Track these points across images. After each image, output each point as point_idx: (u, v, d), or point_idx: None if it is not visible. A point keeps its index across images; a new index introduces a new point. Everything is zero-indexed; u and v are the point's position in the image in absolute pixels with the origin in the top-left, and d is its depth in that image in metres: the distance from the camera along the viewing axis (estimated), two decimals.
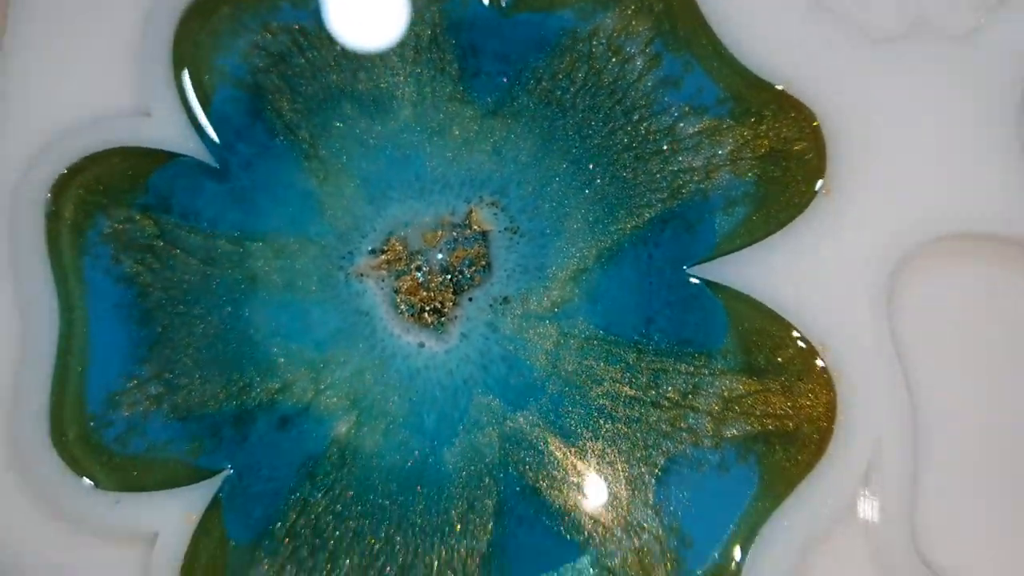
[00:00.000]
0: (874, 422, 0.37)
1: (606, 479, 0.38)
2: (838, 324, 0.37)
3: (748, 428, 0.38)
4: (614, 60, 0.40)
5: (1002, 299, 0.38)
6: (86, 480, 0.38)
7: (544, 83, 0.40)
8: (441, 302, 0.39)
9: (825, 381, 0.37)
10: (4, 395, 0.39)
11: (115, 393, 0.39)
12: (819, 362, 0.37)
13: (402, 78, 0.40)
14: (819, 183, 0.38)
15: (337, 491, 0.38)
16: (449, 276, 0.39)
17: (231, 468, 0.38)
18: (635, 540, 0.37)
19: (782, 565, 0.36)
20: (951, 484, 0.37)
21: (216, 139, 0.40)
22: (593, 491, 0.38)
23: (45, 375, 0.39)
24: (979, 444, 0.37)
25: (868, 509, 0.36)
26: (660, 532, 0.37)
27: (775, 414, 0.37)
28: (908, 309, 0.38)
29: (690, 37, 0.40)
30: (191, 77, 0.40)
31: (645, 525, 0.37)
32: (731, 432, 0.38)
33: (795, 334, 0.38)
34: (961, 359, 0.37)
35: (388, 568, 0.38)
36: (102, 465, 0.39)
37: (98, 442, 0.39)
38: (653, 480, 0.38)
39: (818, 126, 0.38)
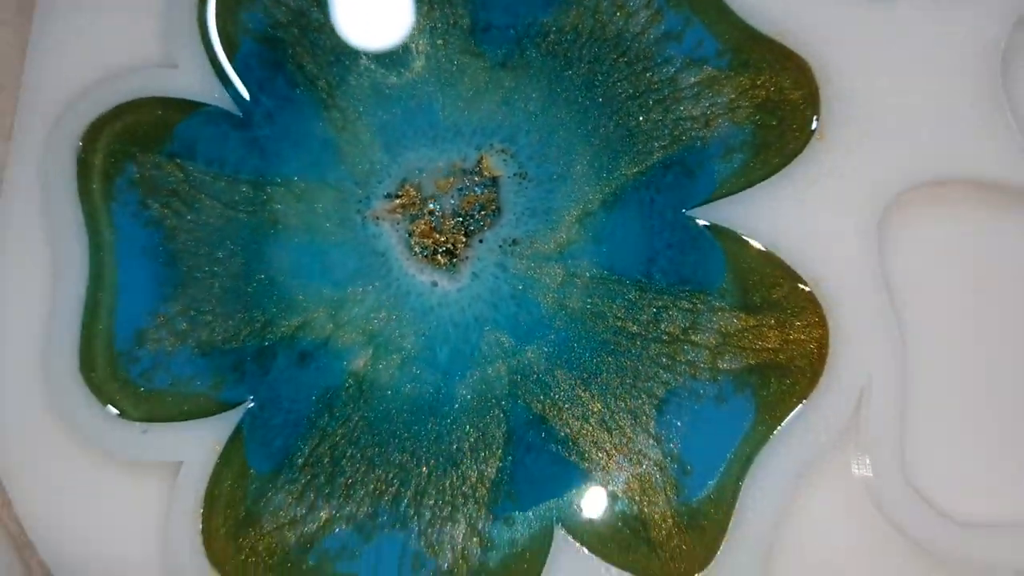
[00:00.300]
0: (864, 355, 0.39)
1: (610, 409, 0.40)
2: (830, 263, 0.39)
3: (744, 361, 0.40)
4: (618, 15, 0.42)
5: (986, 240, 0.40)
6: (113, 411, 0.40)
7: (551, 36, 0.42)
8: (453, 244, 0.41)
9: (818, 317, 0.39)
10: (37, 332, 0.41)
11: (142, 331, 0.41)
12: (812, 299, 0.39)
13: (416, 32, 0.42)
14: (813, 122, 0.40)
15: (354, 422, 0.40)
16: (461, 219, 0.41)
17: (253, 400, 0.40)
18: (637, 467, 0.39)
19: (776, 490, 0.38)
20: (938, 413, 0.39)
21: (240, 89, 0.42)
22: (597, 421, 0.40)
23: (75, 314, 0.41)
24: (965, 376, 0.39)
25: (858, 437, 0.38)
26: (661, 459, 0.39)
27: (770, 348, 0.39)
28: (897, 249, 0.40)
29: None
30: (217, 30, 0.42)
31: (646, 453, 0.39)
32: (728, 365, 0.40)
33: (789, 273, 0.39)
34: (948, 296, 0.39)
35: (402, 493, 0.40)
36: (129, 399, 0.41)
37: (125, 377, 0.41)
38: (654, 410, 0.40)
39: (813, 76, 0.40)
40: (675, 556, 0.39)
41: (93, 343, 0.41)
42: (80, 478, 0.41)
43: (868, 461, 0.38)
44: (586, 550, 0.39)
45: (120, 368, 0.41)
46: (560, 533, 0.39)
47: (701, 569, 0.38)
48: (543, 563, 0.39)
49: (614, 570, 0.38)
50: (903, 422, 0.38)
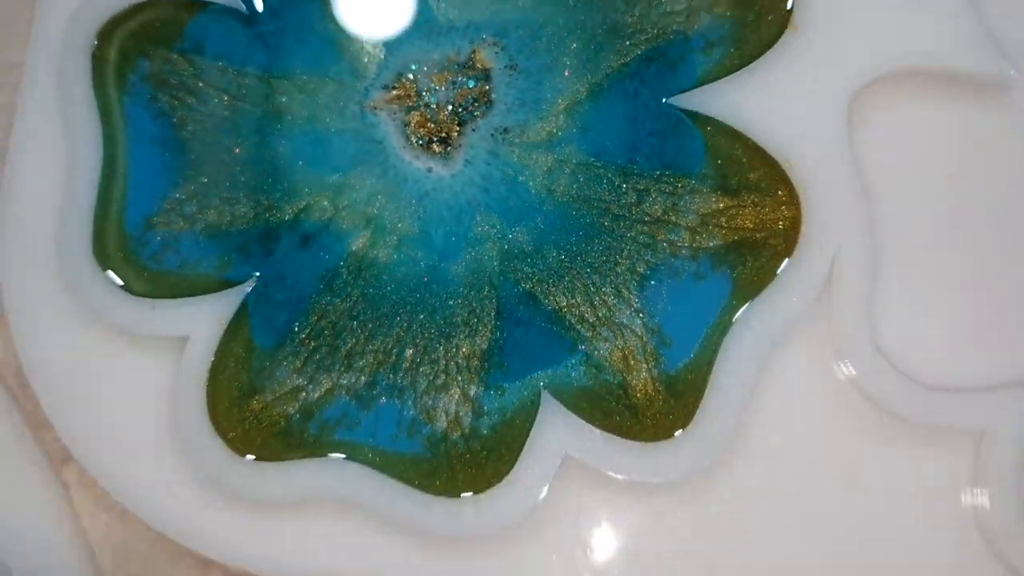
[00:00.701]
0: (835, 231, 0.41)
1: (595, 286, 0.42)
2: (803, 146, 0.42)
3: (722, 240, 0.42)
4: None
5: (953, 125, 0.42)
6: (124, 290, 0.43)
7: None
8: (447, 133, 0.43)
9: (791, 197, 0.42)
10: (53, 219, 0.44)
11: (151, 216, 0.43)
12: (786, 180, 0.42)
13: None
14: (788, 12, 0.42)
15: (354, 298, 0.42)
16: (454, 109, 0.44)
17: (257, 278, 0.42)
18: (620, 339, 0.42)
19: (751, 358, 0.41)
20: (906, 285, 0.41)
21: None
22: (583, 297, 0.42)
23: (89, 201, 0.44)
24: (932, 249, 0.41)
25: (829, 308, 0.41)
26: (642, 332, 0.42)
27: (746, 227, 0.42)
28: (867, 133, 0.42)
29: None
30: None
31: (629, 326, 0.42)
32: (707, 244, 0.42)
33: (764, 156, 0.42)
34: (915, 177, 0.42)
35: (399, 364, 0.42)
36: (139, 278, 0.43)
37: (136, 259, 0.43)
38: (636, 287, 0.42)
39: None
40: (655, 421, 0.41)
41: (106, 228, 0.43)
42: (93, 355, 0.43)
43: (838, 327, 0.40)
44: (572, 415, 0.41)
45: (131, 251, 0.43)
46: (547, 400, 0.41)
47: (681, 429, 0.40)
48: (530, 427, 0.41)
49: (597, 432, 0.41)
50: (872, 293, 0.41)
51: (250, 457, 0.41)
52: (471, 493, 0.40)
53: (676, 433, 0.41)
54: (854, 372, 0.40)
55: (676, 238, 0.42)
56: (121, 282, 0.43)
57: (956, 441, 0.40)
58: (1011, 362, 0.40)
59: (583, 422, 0.41)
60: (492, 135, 0.43)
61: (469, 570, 0.41)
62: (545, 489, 0.40)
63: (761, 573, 0.40)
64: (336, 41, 0.44)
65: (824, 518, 0.40)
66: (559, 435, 0.41)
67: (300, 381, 0.42)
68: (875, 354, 0.40)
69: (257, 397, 0.42)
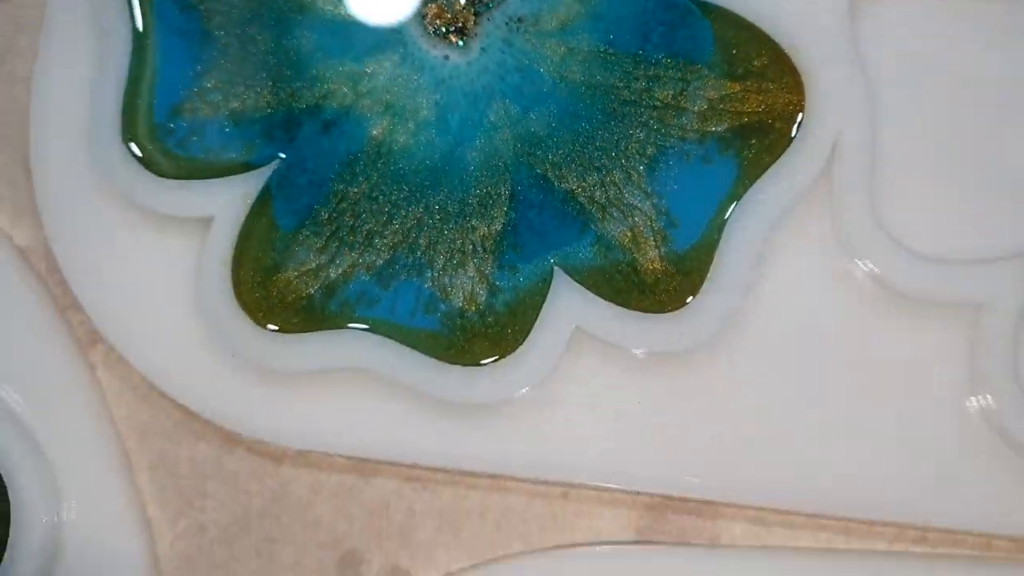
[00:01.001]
0: (838, 114, 0.42)
1: (605, 169, 0.44)
2: (807, 34, 0.43)
3: (728, 124, 0.44)
4: None
5: (960, 16, 0.44)
6: (151, 172, 0.44)
7: None
8: (464, 23, 0.45)
9: (795, 83, 0.43)
10: (82, 106, 0.45)
11: (179, 104, 0.45)
12: (791, 65, 0.43)
13: None
14: None
15: (373, 181, 0.44)
16: (470, 0, 0.45)
17: (281, 161, 0.44)
18: (629, 220, 0.43)
19: (755, 236, 0.42)
20: (904, 165, 0.43)
21: None
22: (594, 180, 0.44)
23: (119, 89, 0.45)
24: (932, 131, 0.43)
25: (831, 186, 0.42)
26: (651, 213, 0.43)
27: (752, 111, 0.43)
28: (872, 22, 0.43)
29: None
30: None
31: (638, 207, 0.43)
32: (714, 128, 0.44)
33: (770, 43, 0.43)
34: (918, 65, 0.43)
35: (417, 244, 0.44)
36: (166, 163, 0.45)
37: (163, 145, 0.45)
38: (646, 170, 0.44)
39: None
40: (663, 297, 0.43)
41: (135, 116, 0.45)
42: (121, 238, 0.45)
43: (839, 209, 0.42)
44: (583, 291, 0.43)
45: (159, 138, 0.45)
46: (559, 277, 0.43)
47: (687, 304, 0.42)
48: (543, 303, 0.43)
49: (606, 304, 0.42)
50: (872, 175, 0.42)
51: (273, 328, 0.43)
52: (487, 361, 0.42)
53: (682, 307, 0.42)
54: (854, 248, 0.42)
55: (685, 123, 0.44)
56: (149, 167, 0.44)
57: (955, 314, 0.42)
58: (1010, 236, 0.42)
59: (593, 296, 0.42)
60: (507, 24, 0.45)
61: (484, 436, 0.43)
62: (556, 359, 0.42)
63: (762, 442, 0.42)
64: None
65: (825, 389, 0.42)
66: (570, 309, 0.42)
67: (322, 259, 0.44)
68: (875, 230, 0.42)
69: (280, 275, 0.44)
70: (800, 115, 0.43)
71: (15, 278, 0.46)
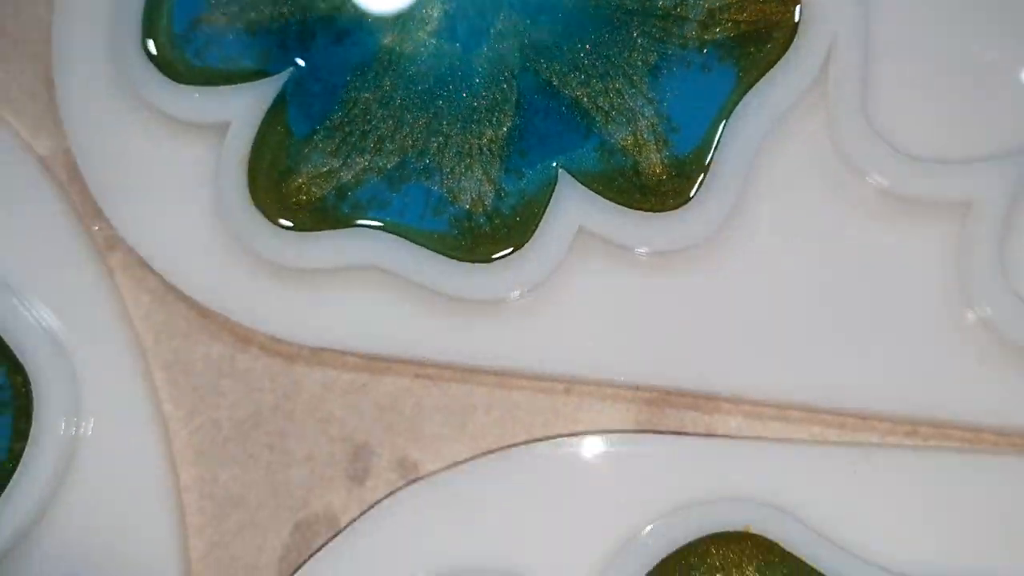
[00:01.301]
0: (832, 21, 0.44)
1: (609, 76, 0.45)
2: None
3: (728, 33, 0.45)
4: None
5: None
6: (170, 79, 0.46)
7: None
8: None
9: None
10: (104, 18, 0.47)
11: (197, 15, 0.47)
12: None
13: None
14: None
15: (385, 88, 0.46)
16: None
17: (298, 64, 0.46)
18: (632, 125, 0.45)
19: (753, 139, 0.44)
20: (897, 68, 0.44)
21: None
22: (598, 86, 0.45)
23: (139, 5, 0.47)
24: (925, 38, 0.44)
25: (826, 88, 0.44)
26: (653, 118, 0.45)
27: (750, 20, 0.45)
28: None
29: None
30: None
31: (641, 112, 0.45)
32: (713, 36, 0.45)
33: None
34: None
35: (426, 148, 0.45)
36: (185, 71, 0.46)
37: (182, 55, 0.47)
38: (648, 77, 0.45)
39: None
40: (664, 198, 0.44)
41: (154, 28, 0.47)
42: (141, 144, 0.47)
43: (833, 111, 0.44)
44: (587, 192, 0.44)
45: (177, 47, 0.47)
46: (563, 180, 0.44)
47: (687, 204, 0.44)
48: (547, 204, 0.44)
49: (609, 204, 0.44)
50: (866, 78, 0.44)
51: (288, 225, 0.45)
52: (494, 258, 0.44)
53: (682, 207, 0.44)
54: (847, 150, 0.43)
55: (686, 31, 0.45)
56: (168, 74, 0.46)
57: (947, 213, 0.43)
58: (998, 135, 0.43)
59: (596, 197, 0.44)
60: None
61: (490, 333, 0.44)
62: (561, 257, 0.44)
63: (760, 338, 0.44)
64: None
65: (820, 287, 0.44)
66: (574, 209, 0.44)
67: (334, 163, 0.45)
68: (867, 130, 0.43)
69: (295, 178, 0.45)
70: (797, 18, 0.44)
71: (37, 186, 0.48)
